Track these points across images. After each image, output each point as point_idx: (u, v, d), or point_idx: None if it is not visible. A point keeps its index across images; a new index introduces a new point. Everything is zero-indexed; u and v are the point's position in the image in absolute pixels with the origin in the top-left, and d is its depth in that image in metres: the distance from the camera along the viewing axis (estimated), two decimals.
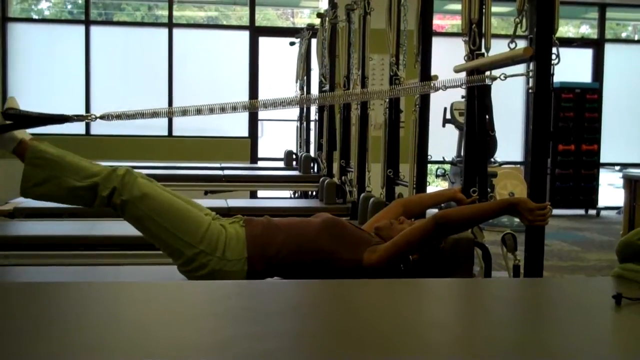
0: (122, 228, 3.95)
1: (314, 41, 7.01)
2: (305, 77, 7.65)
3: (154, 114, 2.86)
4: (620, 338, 1.43)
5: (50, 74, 9.66)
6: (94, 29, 9.71)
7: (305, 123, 7.82)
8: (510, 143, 10.13)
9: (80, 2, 9.90)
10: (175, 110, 2.86)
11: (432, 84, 3.12)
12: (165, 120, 9.66)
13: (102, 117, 2.76)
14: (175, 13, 9.89)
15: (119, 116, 2.76)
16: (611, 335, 1.43)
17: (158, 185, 2.64)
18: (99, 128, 9.65)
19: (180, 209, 2.58)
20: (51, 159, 2.55)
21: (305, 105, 7.42)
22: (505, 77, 2.79)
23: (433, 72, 3.56)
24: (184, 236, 2.52)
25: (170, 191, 2.66)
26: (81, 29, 9.65)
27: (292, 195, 7.55)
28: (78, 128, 9.60)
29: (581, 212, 10.31)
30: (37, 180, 2.52)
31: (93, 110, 9.61)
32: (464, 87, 3.20)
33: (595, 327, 1.44)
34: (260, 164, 9.66)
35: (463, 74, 3.10)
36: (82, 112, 9.56)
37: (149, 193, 2.58)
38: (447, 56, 3.82)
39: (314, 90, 7.44)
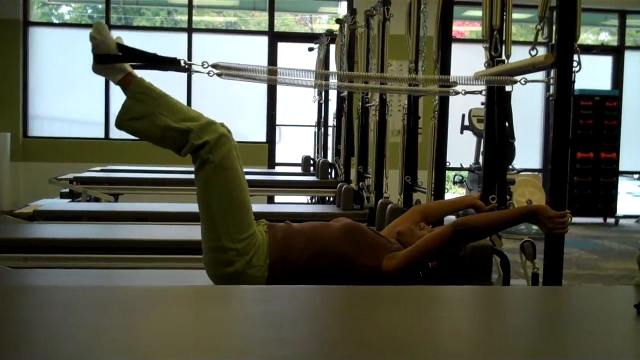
0: (142, 231, 3.99)
1: (332, 47, 7.01)
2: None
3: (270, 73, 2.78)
4: None
5: (70, 78, 9.74)
6: (114, 33, 9.73)
7: (323, 129, 7.83)
8: (528, 150, 10.09)
9: (100, 7, 9.97)
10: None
11: (453, 83, 3.11)
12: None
13: (214, 66, 2.70)
14: (194, 18, 9.94)
15: (233, 69, 2.70)
16: (632, 345, 1.42)
17: (241, 166, 2.60)
18: (119, 132, 9.70)
19: (245, 203, 2.57)
20: (154, 97, 2.55)
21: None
22: (526, 81, 2.78)
23: (456, 76, 3.55)
24: (231, 227, 2.51)
25: (245, 179, 2.62)
26: None
27: (309, 201, 7.55)
28: (97, 132, 9.67)
29: (600, 220, 10.24)
30: (136, 115, 2.54)
31: (113, 112, 9.67)
32: (483, 93, 3.20)
33: (616, 336, 1.43)
34: (278, 169, 9.67)
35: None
36: (102, 116, 9.63)
37: (235, 169, 2.55)
38: (467, 63, 3.81)
39: (332, 96, 7.45)
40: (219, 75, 2.71)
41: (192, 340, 1.36)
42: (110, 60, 2.56)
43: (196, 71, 2.70)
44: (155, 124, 2.52)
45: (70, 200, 5.79)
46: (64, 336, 1.36)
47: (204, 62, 2.68)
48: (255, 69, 2.77)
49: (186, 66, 2.71)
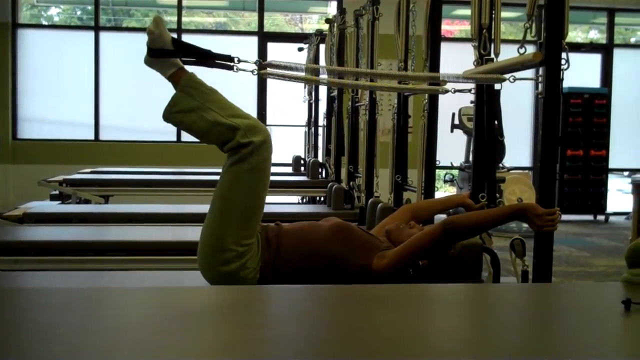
0: (132, 233, 3.98)
1: (322, 47, 7.02)
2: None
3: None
4: (629, 343, 1.42)
5: (59, 79, 9.71)
6: (103, 35, 9.76)
7: (313, 128, 7.83)
8: (518, 148, 10.12)
9: (89, 8, 9.94)
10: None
11: (443, 80, 3.11)
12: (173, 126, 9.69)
13: (268, 65, 2.71)
14: (184, 19, 9.93)
15: (283, 67, 2.72)
16: (620, 341, 1.42)
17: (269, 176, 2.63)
18: (108, 134, 9.68)
19: (260, 211, 2.59)
20: (204, 91, 2.57)
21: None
22: (515, 79, 2.79)
23: (446, 73, 3.55)
24: (240, 230, 2.51)
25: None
26: (91, 34, 9.70)
27: (300, 201, 7.55)
28: (87, 134, 9.64)
29: (590, 217, 10.28)
30: (184, 108, 2.55)
31: (102, 114, 9.66)
32: (473, 91, 3.21)
33: (605, 332, 1.44)
34: None
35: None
36: (92, 116, 9.61)
37: (267, 176, 2.58)
38: (456, 62, 3.82)
39: (322, 95, 7.45)
40: (262, 76, 2.74)
41: (182, 341, 1.36)
42: (164, 55, 2.57)
43: (242, 69, 2.71)
44: (203, 118, 2.54)
45: (60, 202, 5.77)
46: (53, 338, 1.35)
47: (257, 60, 2.71)
48: (303, 67, 2.78)
49: (239, 64, 2.71)
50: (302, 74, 2.76)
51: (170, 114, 2.58)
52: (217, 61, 2.69)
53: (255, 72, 2.72)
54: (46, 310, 1.59)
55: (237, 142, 2.51)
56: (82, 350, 1.28)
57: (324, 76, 2.86)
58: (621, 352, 1.33)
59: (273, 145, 2.60)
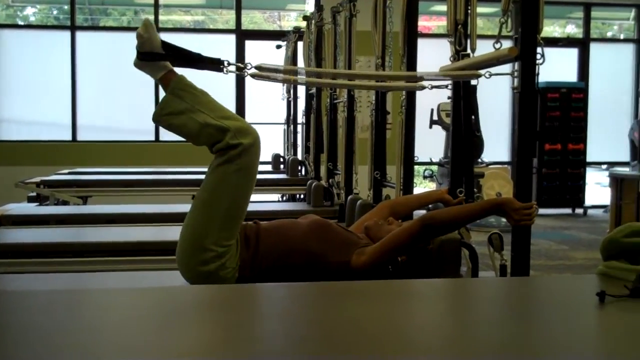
0: (111, 234, 3.96)
1: (300, 44, 7.01)
2: None
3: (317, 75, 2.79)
4: (603, 335, 1.44)
5: (36, 80, 9.64)
6: (79, 35, 9.68)
7: (292, 126, 7.83)
8: (497, 143, 10.17)
9: (66, 7, 9.87)
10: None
11: (418, 78, 3.13)
12: (151, 126, 9.65)
13: (257, 68, 2.75)
14: (161, 17, 9.89)
15: (275, 70, 2.73)
16: (594, 333, 1.44)
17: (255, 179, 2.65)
18: (86, 134, 9.62)
19: (243, 213, 2.58)
20: (194, 93, 2.57)
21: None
22: (490, 75, 2.81)
23: (422, 72, 3.56)
24: (221, 231, 2.51)
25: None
26: (67, 34, 9.63)
27: (280, 199, 7.54)
28: (64, 134, 9.58)
29: (568, 211, 10.36)
30: (174, 110, 2.54)
31: (80, 114, 9.59)
32: (449, 87, 3.22)
33: (579, 324, 1.45)
34: None
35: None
36: (69, 116, 9.55)
37: (252, 179, 2.59)
38: (435, 57, 3.83)
39: (301, 93, 7.45)
40: (252, 76, 2.78)
41: (161, 341, 1.36)
42: (154, 58, 2.58)
43: (232, 71, 2.76)
44: (193, 120, 2.54)
45: (37, 204, 5.72)
46: (33, 340, 1.34)
47: (247, 62, 2.75)
48: (293, 70, 2.81)
49: (229, 67, 2.75)
50: (288, 75, 2.78)
51: (160, 117, 2.58)
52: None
53: (247, 74, 2.77)
54: (26, 313, 1.58)
55: (227, 143, 2.51)
56: (63, 352, 1.28)
57: (303, 77, 2.85)
58: (595, 343, 1.35)
59: (261, 148, 2.61)
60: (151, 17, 9.83)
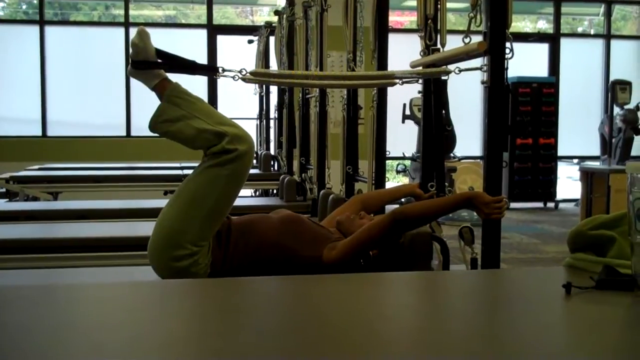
0: (82, 230, 3.93)
1: (272, 39, 7.00)
2: None
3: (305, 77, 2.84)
4: (569, 326, 1.46)
5: (4, 75, 9.52)
6: (49, 29, 9.59)
7: (265, 121, 7.82)
8: (469, 138, 10.23)
9: (35, 2, 9.76)
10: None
11: (386, 77, 3.14)
12: (123, 121, 9.59)
13: (252, 73, 2.80)
14: (132, 12, 9.81)
15: (267, 75, 2.75)
16: (560, 324, 1.45)
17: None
18: (56, 130, 9.53)
19: (224, 216, 2.60)
20: (190, 100, 2.57)
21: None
22: (460, 70, 2.83)
23: (391, 68, 3.57)
24: (199, 231, 2.51)
25: None
26: (36, 29, 9.53)
27: (253, 194, 7.54)
28: (34, 130, 9.48)
29: (540, 205, 10.46)
30: (171, 117, 2.55)
31: (50, 110, 9.50)
32: (420, 82, 3.23)
33: (546, 316, 1.47)
34: None
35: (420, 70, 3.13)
36: (39, 111, 9.46)
37: (240, 185, 2.61)
38: (406, 52, 3.84)
39: (273, 88, 7.44)
40: (244, 80, 2.85)
41: (134, 335, 1.35)
42: (149, 67, 2.59)
43: (224, 76, 2.82)
44: (190, 126, 2.54)
45: (7, 200, 5.67)
46: None
47: (242, 69, 2.83)
48: (284, 74, 2.85)
49: (223, 73, 2.81)
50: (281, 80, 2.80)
51: (157, 124, 2.58)
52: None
53: (237, 78, 2.83)
54: None
55: (223, 147, 2.52)
56: (25, 348, 1.27)
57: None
58: (560, 334, 1.36)
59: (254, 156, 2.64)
60: (121, 12, 9.76)
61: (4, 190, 5.84)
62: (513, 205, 9.24)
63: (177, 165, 7.16)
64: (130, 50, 2.59)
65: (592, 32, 12.27)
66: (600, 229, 1.81)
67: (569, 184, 11.58)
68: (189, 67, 2.72)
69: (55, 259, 3.48)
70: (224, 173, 2.53)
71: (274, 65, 7.03)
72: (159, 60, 2.61)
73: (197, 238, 2.51)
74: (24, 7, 10.35)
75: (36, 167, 7.01)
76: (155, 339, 1.33)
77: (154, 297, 1.75)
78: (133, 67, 2.59)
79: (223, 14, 10.94)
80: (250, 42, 8.14)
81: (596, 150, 10.36)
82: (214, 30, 9.93)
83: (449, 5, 3.11)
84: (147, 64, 2.58)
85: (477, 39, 2.72)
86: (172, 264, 2.49)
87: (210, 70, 2.76)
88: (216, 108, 9.92)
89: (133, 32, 9.48)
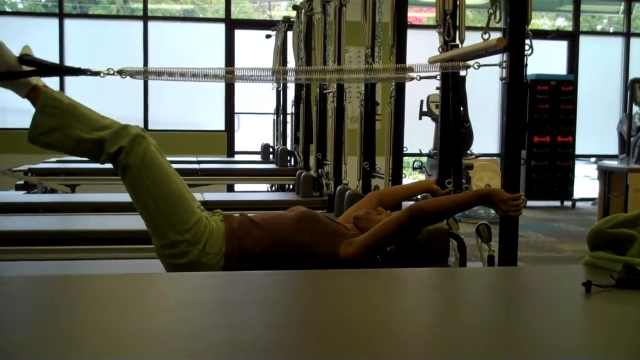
0: (99, 222, 3.95)
1: (290, 34, 6.99)
2: None
3: (171, 75, 2.77)
4: (588, 325, 1.44)
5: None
6: (68, 22, 9.63)
7: (282, 116, 7.81)
8: (487, 135, 10.18)
9: None
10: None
11: (405, 70, 3.13)
12: (141, 114, 9.61)
13: (119, 72, 2.70)
14: (150, 6, 9.83)
15: (138, 73, 2.70)
16: (579, 322, 1.44)
17: (165, 159, 2.58)
18: None
19: (179, 194, 2.54)
20: (62, 108, 2.50)
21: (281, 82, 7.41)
22: (479, 65, 2.81)
23: (409, 64, 3.56)
24: (173, 220, 2.49)
25: (173, 170, 2.61)
26: (55, 22, 9.57)
27: (269, 189, 7.54)
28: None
29: (557, 203, 10.39)
30: (46, 129, 2.48)
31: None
32: (438, 77, 3.22)
33: (565, 314, 1.46)
34: (237, 157, 9.64)
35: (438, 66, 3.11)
36: None
37: (158, 164, 2.53)
38: (425, 49, 3.82)
39: (291, 83, 7.43)
40: (119, 74, 2.72)
41: (146, 327, 1.35)
42: (12, 77, 2.50)
43: (93, 75, 2.71)
44: (67, 136, 2.48)
45: (25, 192, 5.70)
46: (13, 327, 1.34)
47: (109, 68, 2.69)
48: (157, 71, 2.78)
49: (88, 74, 2.70)
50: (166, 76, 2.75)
51: (34, 136, 2.51)
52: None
53: (113, 72, 2.70)
54: (6, 300, 1.57)
55: (108, 153, 2.48)
56: (43, 340, 1.27)
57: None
58: (580, 333, 1.35)
59: (148, 134, 2.56)
60: (140, 6, 9.78)
61: (22, 182, 5.88)
62: (530, 203, 9.13)
63: (194, 159, 7.17)
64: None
65: (611, 30, 12.17)
66: (620, 227, 1.79)
67: (586, 183, 11.51)
68: (56, 70, 2.65)
69: (73, 251, 3.50)
70: (134, 171, 2.49)
71: (292, 60, 7.02)
72: (25, 68, 2.51)
73: (178, 225, 2.49)
74: (43, 0, 10.40)
75: (54, 159, 7.04)
76: (168, 332, 1.33)
77: (167, 289, 1.75)
78: None
79: (241, 9, 10.94)
80: (268, 37, 8.13)
81: (614, 149, 10.28)
82: (232, 25, 9.93)
83: (467, 1, 3.09)
84: (10, 74, 2.49)
85: (495, 35, 2.71)
86: (179, 262, 2.50)
87: (77, 71, 2.69)
88: (234, 105, 9.89)
89: (152, 26, 9.58)
